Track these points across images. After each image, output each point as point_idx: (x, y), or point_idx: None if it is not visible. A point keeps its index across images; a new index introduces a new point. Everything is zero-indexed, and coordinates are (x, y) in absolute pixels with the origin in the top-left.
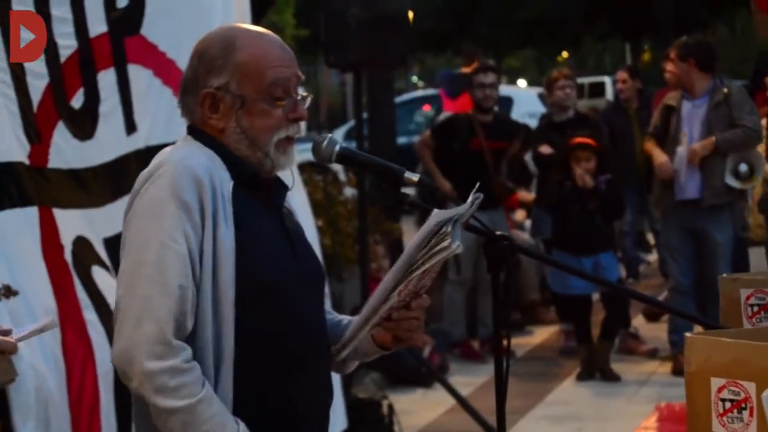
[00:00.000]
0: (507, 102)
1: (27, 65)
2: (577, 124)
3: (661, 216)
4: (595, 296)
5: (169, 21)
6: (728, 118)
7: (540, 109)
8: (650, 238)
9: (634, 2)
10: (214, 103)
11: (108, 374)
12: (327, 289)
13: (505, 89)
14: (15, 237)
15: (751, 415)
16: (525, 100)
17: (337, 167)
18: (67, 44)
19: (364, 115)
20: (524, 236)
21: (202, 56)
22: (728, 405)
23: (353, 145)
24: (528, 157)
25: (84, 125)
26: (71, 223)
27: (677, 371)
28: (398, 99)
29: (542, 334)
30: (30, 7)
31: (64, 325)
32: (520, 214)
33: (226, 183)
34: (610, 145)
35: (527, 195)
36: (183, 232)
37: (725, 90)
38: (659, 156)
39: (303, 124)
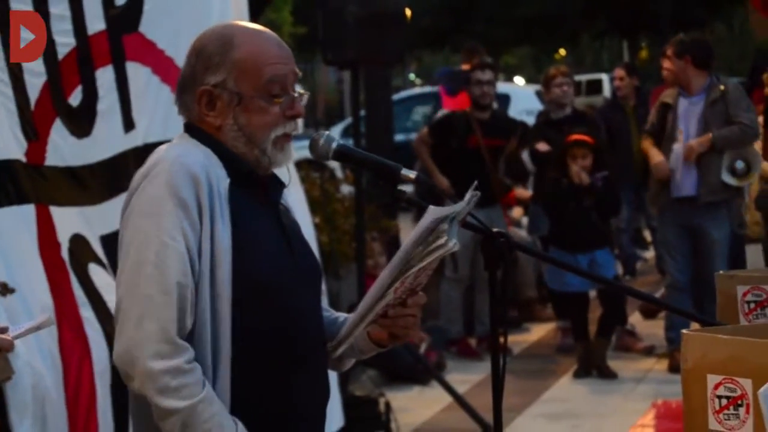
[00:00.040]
0: (504, 99)
1: (24, 63)
2: (574, 121)
3: (657, 213)
4: (592, 293)
5: (168, 18)
6: (725, 115)
7: (537, 106)
8: (647, 235)
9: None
10: (211, 100)
11: (105, 372)
12: (324, 287)
13: (502, 86)
14: (12, 235)
15: (747, 412)
16: (522, 98)
17: (335, 164)
18: (65, 42)
19: (362, 112)
20: (521, 233)
21: (199, 53)
22: (725, 402)
23: (350, 142)
24: (525, 154)
25: (82, 123)
26: (68, 220)
27: (674, 368)
28: (395, 96)
29: (539, 332)
30: (28, 5)
31: (60, 322)
32: (517, 212)
33: (222, 181)
34: (607, 143)
35: (524, 192)
36: (181, 230)
37: (722, 87)
38: (655, 156)
39: (300, 122)
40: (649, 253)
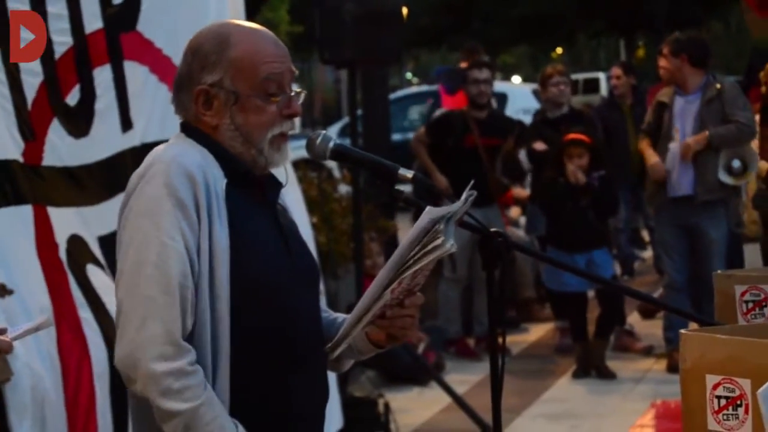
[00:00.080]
0: (501, 98)
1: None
2: (571, 120)
3: (655, 213)
4: (591, 293)
5: (166, 17)
6: (721, 113)
7: (534, 105)
8: (645, 234)
9: None
10: (208, 99)
11: (104, 373)
12: (322, 287)
13: (499, 85)
14: (9, 235)
15: (746, 412)
16: (519, 97)
17: (332, 164)
18: (62, 41)
19: (359, 111)
20: (519, 233)
21: (195, 52)
22: (723, 402)
23: (348, 141)
24: (522, 153)
25: (79, 123)
26: (66, 221)
27: (672, 368)
28: (393, 96)
29: (538, 332)
30: (25, 4)
31: (59, 323)
32: (515, 211)
33: (219, 181)
34: (605, 142)
35: (522, 192)
36: (180, 231)
37: (718, 86)
38: (651, 157)
39: (297, 121)
40: (647, 253)
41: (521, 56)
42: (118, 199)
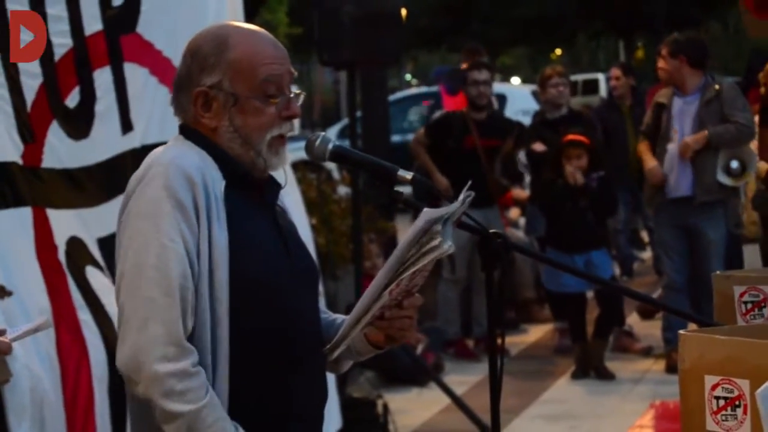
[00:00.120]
0: (501, 99)
1: (21, 64)
2: (570, 121)
3: (653, 213)
4: (590, 294)
5: (165, 19)
6: (720, 114)
7: (534, 106)
8: (644, 235)
9: (628, 0)
10: (207, 101)
11: (103, 374)
12: (321, 288)
13: (498, 87)
14: (8, 237)
15: (745, 412)
16: (519, 98)
17: (331, 165)
18: (61, 43)
19: (358, 113)
20: (519, 234)
21: (194, 54)
22: (722, 402)
23: (347, 143)
24: (521, 154)
25: (79, 124)
26: (65, 223)
27: (671, 369)
28: (392, 97)
29: (537, 333)
30: (25, 5)
31: (58, 325)
32: (514, 212)
33: (218, 183)
34: (604, 143)
35: (521, 193)
36: (180, 232)
37: (717, 87)
38: (649, 161)
39: (296, 122)
40: (647, 254)
41: (520, 57)
42: (117, 201)
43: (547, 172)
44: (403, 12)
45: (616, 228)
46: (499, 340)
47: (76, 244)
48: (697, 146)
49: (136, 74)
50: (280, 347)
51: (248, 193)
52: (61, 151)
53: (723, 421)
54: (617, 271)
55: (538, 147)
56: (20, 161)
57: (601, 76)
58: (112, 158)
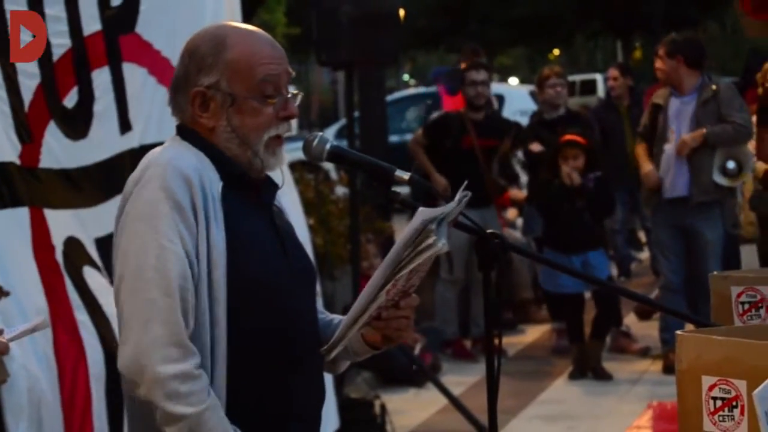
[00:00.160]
0: (498, 100)
1: (19, 64)
2: (568, 121)
3: (651, 214)
4: (587, 295)
5: (164, 19)
6: (717, 115)
7: (531, 106)
8: (642, 236)
9: (626, 0)
10: (205, 101)
11: (100, 374)
12: (318, 288)
13: (496, 87)
14: (6, 237)
15: (742, 413)
16: (516, 98)
17: (329, 166)
18: (60, 43)
19: (356, 113)
20: (516, 235)
21: (192, 54)
22: (719, 403)
23: (344, 143)
24: (519, 155)
25: (77, 125)
26: (62, 223)
27: (669, 369)
28: (390, 97)
29: (534, 333)
30: (23, 6)
31: (55, 325)
32: (511, 213)
33: (215, 184)
34: (601, 143)
35: (519, 193)
36: (178, 234)
37: (714, 87)
38: (645, 165)
39: (294, 123)
40: (644, 255)
41: (518, 58)
42: (115, 201)
43: (545, 173)
44: (401, 12)
45: (614, 228)
46: (496, 341)
47: (73, 245)
48: (694, 144)
49: (134, 74)
50: (279, 347)
51: (245, 193)
52: (58, 151)
53: (720, 421)
54: (615, 271)
55: (536, 147)
56: (18, 161)
57: (598, 77)
58: (110, 158)
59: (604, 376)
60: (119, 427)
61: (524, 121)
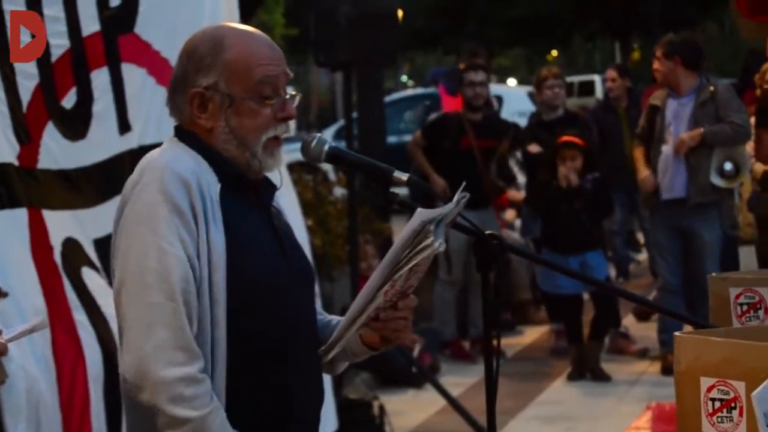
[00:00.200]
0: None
1: (17, 65)
2: (566, 122)
3: (649, 215)
4: (586, 296)
5: (163, 19)
6: (714, 116)
7: (530, 107)
8: (640, 237)
9: (624, 1)
10: (203, 102)
11: (98, 375)
12: (317, 289)
13: (495, 88)
14: (4, 238)
15: (740, 414)
16: (515, 99)
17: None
18: (59, 43)
19: (354, 114)
20: (514, 236)
21: (190, 55)
22: (718, 404)
23: (343, 144)
24: (517, 156)
25: (76, 125)
26: (61, 224)
27: (667, 371)
28: (388, 98)
29: (533, 334)
30: (22, 6)
31: (54, 326)
32: (510, 214)
33: (213, 186)
34: (600, 144)
35: (517, 194)
36: (179, 236)
37: (711, 88)
38: (643, 170)
39: (292, 124)
40: (643, 256)
41: (516, 59)
42: (114, 202)
43: (543, 174)
44: (400, 13)
45: (613, 229)
46: (495, 342)
47: (71, 245)
48: (692, 143)
49: (133, 74)
50: (278, 348)
51: (243, 194)
52: (57, 151)
53: (719, 423)
54: (613, 272)
55: (534, 148)
56: (16, 162)
57: (597, 78)
58: (109, 159)
59: (602, 377)
60: (117, 428)
61: (522, 122)
